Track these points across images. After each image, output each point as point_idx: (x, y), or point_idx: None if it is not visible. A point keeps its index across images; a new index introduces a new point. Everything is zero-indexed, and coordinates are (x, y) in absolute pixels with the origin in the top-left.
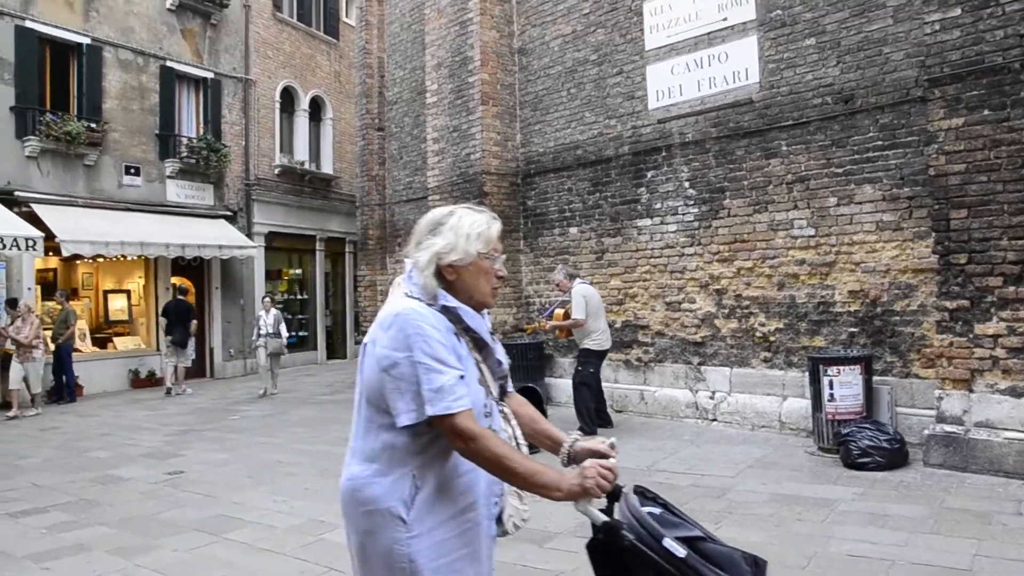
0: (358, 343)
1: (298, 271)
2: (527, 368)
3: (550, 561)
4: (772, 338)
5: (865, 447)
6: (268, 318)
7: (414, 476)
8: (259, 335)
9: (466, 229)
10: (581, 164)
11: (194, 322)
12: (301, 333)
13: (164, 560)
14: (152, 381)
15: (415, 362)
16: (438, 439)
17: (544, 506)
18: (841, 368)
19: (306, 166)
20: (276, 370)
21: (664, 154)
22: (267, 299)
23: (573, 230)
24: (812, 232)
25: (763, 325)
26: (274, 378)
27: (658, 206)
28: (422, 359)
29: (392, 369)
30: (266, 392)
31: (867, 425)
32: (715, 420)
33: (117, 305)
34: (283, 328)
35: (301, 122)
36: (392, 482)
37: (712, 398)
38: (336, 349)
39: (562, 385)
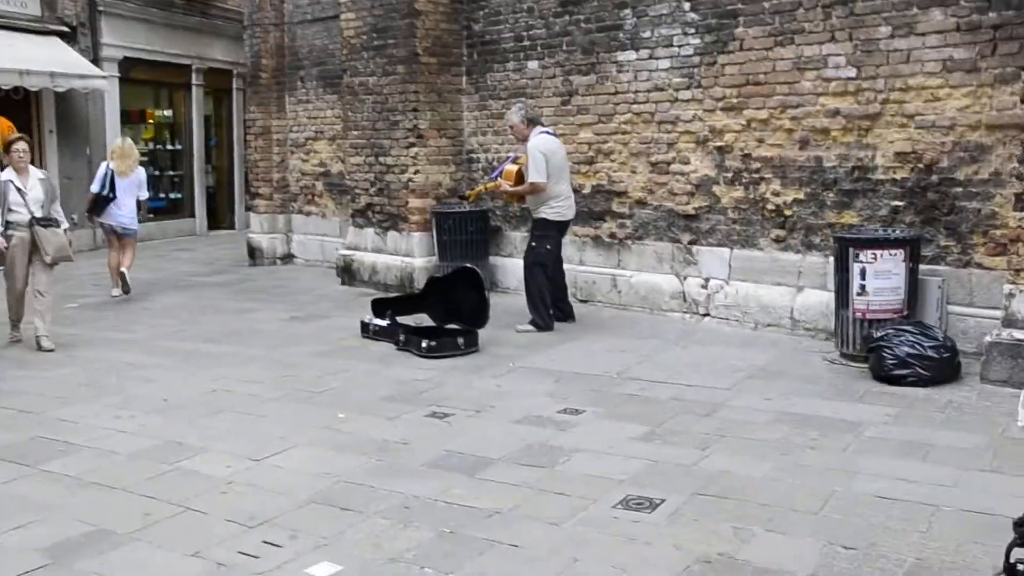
0: (249, 209)
1: (167, 113)
2: (467, 244)
3: (481, 496)
4: (788, 212)
5: (904, 355)
6: (29, 186)
7: None
8: (5, 222)
9: None
10: None
11: None
12: (174, 195)
13: None
14: None
15: None
16: None
17: (479, 425)
18: (878, 253)
19: None
20: (46, 294)
21: None
22: (21, 145)
23: (533, 64)
24: (852, 73)
25: (777, 195)
26: (42, 314)
27: (647, 35)
28: None
29: None
30: (40, 343)
31: (908, 327)
32: (708, 315)
33: None
34: (58, 208)
35: None
36: None
37: (705, 287)
38: (220, 216)
39: (512, 266)
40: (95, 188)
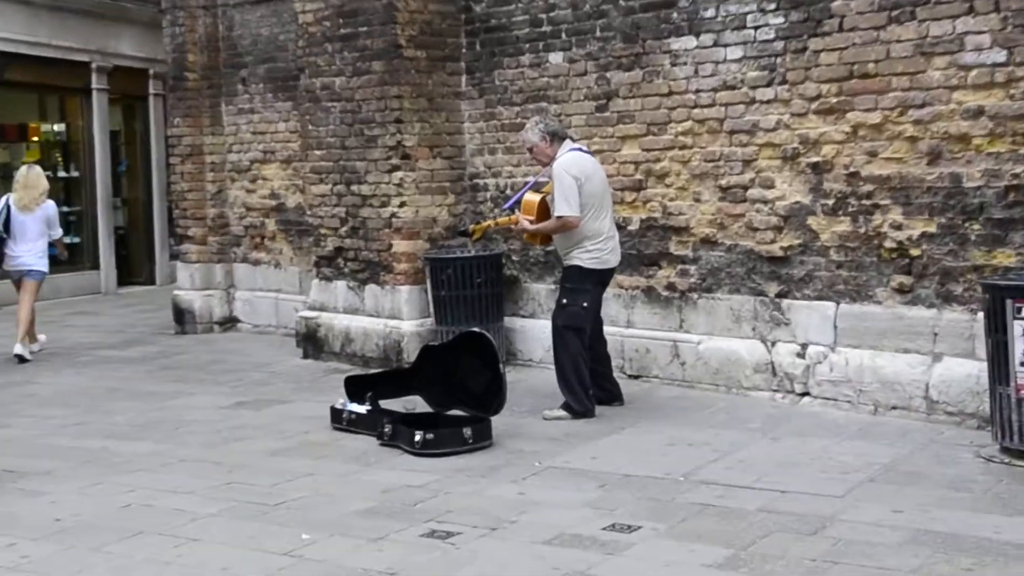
0: (175, 257)
1: (58, 127)
2: (473, 301)
3: None
4: (915, 251)
5: None
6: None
7: None
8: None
9: None
10: None
11: None
12: (69, 240)
13: None
14: None
15: None
16: None
17: (495, 548)
18: None
19: None
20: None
21: None
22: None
23: (556, 57)
24: (1001, 57)
25: (898, 228)
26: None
27: (710, 14)
28: None
29: None
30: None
31: None
32: (807, 394)
33: None
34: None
35: None
36: None
37: (802, 356)
38: (134, 267)
39: (535, 330)
40: None
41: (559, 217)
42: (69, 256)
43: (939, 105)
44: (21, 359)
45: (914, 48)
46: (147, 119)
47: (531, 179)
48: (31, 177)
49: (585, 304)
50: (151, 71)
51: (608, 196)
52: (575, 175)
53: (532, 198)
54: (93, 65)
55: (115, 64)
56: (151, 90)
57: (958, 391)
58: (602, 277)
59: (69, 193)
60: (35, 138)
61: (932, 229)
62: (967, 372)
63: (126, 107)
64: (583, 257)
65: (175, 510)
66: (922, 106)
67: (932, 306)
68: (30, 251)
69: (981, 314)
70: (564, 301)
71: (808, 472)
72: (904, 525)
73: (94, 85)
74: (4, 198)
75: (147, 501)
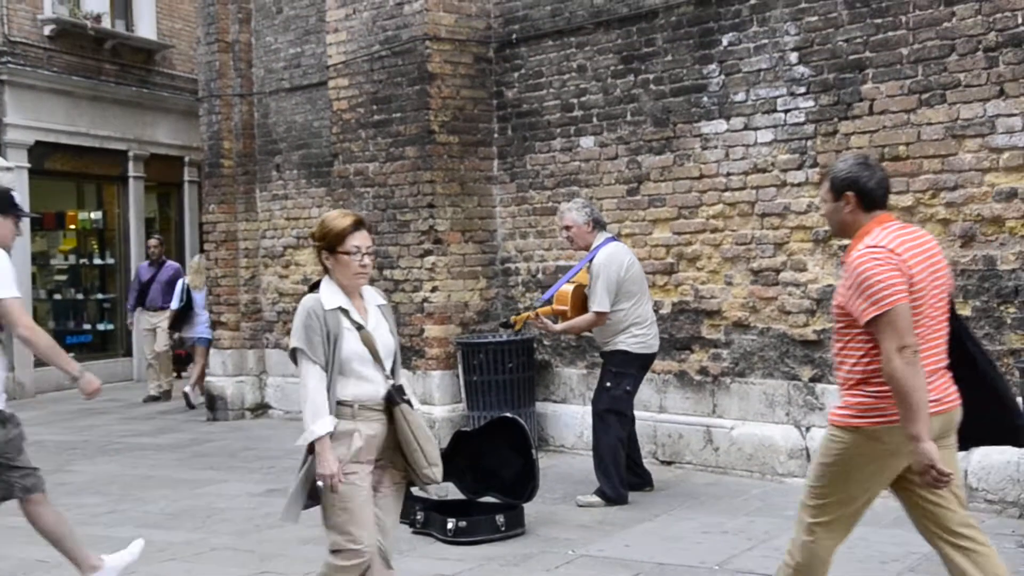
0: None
1: (95, 215)
2: (505, 386)
3: None
4: None
5: None
6: (372, 323)
7: None
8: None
9: None
10: (603, 23)
11: None
12: (103, 326)
13: None
14: None
15: None
16: None
17: None
18: None
19: (105, 24)
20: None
21: (753, 1)
22: (362, 239)
23: (587, 141)
24: None
25: None
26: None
27: (740, 97)
28: None
29: None
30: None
31: None
32: None
33: None
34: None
35: None
36: None
37: None
38: None
39: (567, 416)
40: (175, 304)
41: (595, 315)
42: (103, 342)
43: (971, 187)
44: (187, 400)
45: (945, 131)
46: (182, 206)
47: (570, 270)
48: (201, 264)
49: (628, 388)
50: (186, 158)
51: (645, 281)
52: (616, 269)
53: (566, 289)
54: (130, 153)
55: (151, 152)
56: (186, 177)
57: (998, 478)
58: (645, 362)
59: (104, 281)
60: (72, 226)
61: (967, 312)
62: (1007, 459)
63: (161, 194)
64: (630, 342)
65: None
66: (954, 188)
67: None
68: (202, 321)
69: (1021, 399)
70: (608, 384)
71: (846, 561)
72: None
73: (131, 173)
74: (180, 281)
75: None
